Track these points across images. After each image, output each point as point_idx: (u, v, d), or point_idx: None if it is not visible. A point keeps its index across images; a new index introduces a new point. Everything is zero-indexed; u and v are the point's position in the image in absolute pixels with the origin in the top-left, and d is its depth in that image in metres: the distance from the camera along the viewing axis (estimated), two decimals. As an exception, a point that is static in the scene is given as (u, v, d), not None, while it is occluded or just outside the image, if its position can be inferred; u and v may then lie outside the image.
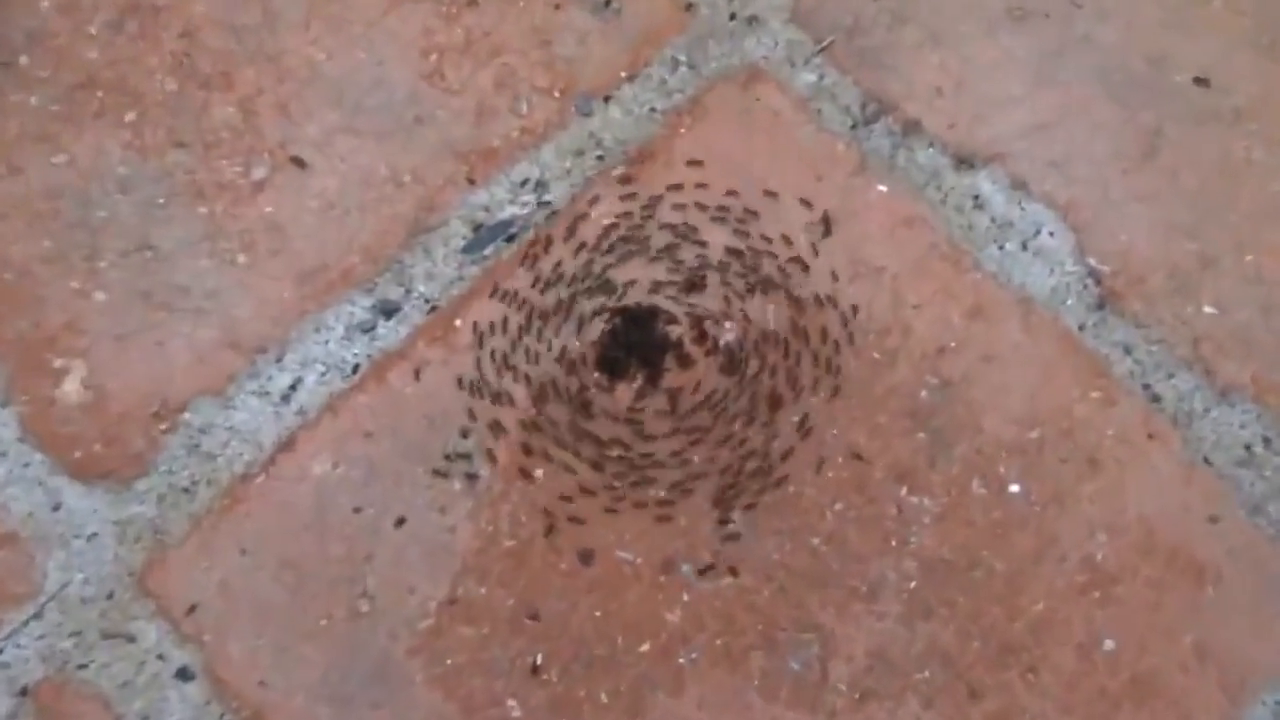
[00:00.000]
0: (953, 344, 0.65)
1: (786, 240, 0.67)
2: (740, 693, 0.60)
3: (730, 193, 0.69)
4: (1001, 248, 0.66)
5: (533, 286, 0.67)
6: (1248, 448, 0.61)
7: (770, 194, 0.68)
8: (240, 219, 0.71)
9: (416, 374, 0.66)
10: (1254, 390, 0.62)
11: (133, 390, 0.68)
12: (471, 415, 0.65)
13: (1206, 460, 0.61)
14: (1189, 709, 0.57)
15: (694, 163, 0.70)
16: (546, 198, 0.69)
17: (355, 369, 0.67)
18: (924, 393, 0.64)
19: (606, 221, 0.69)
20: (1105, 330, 0.64)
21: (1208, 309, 0.64)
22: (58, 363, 0.68)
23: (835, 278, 0.66)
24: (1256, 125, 0.68)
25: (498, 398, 0.66)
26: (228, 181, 0.71)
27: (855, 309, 0.65)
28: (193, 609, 0.64)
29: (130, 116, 0.73)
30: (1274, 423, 0.61)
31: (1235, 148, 0.68)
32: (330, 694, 0.62)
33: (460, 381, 0.66)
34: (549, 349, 0.66)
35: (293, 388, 0.67)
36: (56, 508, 0.65)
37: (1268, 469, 0.61)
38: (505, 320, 0.67)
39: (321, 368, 0.67)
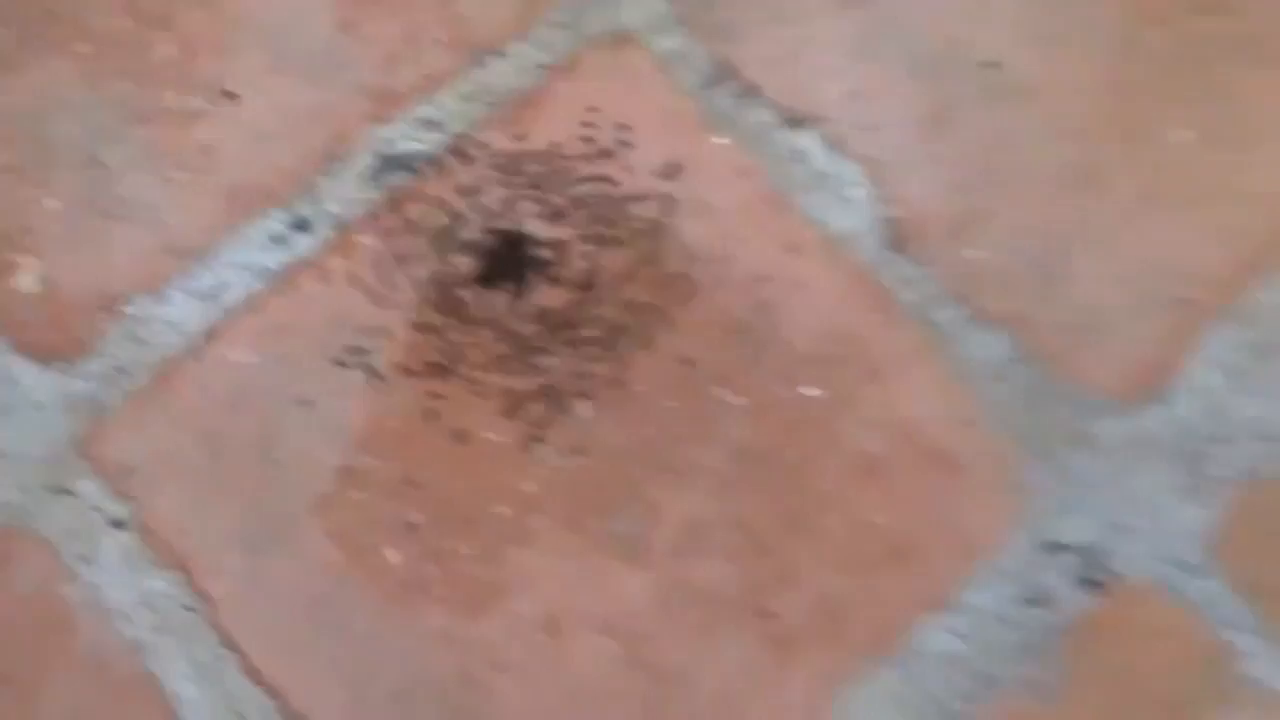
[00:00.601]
0: (770, 273, 0.77)
1: (639, 180, 0.79)
2: (579, 549, 0.71)
3: (596, 139, 0.80)
4: (817, 195, 0.78)
5: (425, 210, 0.78)
6: (999, 367, 0.74)
7: (629, 141, 0.80)
8: (178, 143, 0.81)
9: (324, 280, 0.77)
10: (1008, 321, 0.75)
11: (80, 285, 0.78)
12: (368, 316, 0.77)
13: (967, 375, 0.73)
14: (934, 569, 0.69)
15: (569, 110, 0.81)
16: (442, 136, 0.80)
17: (272, 274, 0.78)
18: (744, 312, 0.76)
19: (491, 158, 0.80)
20: (894, 266, 0.76)
21: (979, 253, 0.76)
22: (14, 259, 0.79)
23: (678, 214, 0.78)
24: (1037, 104, 0.81)
25: (390, 303, 0.77)
26: (168, 110, 0.82)
27: (691, 241, 0.77)
28: (128, 470, 0.74)
29: (84, 49, 0.83)
30: (1020, 347, 0.74)
31: (1016, 122, 0.80)
32: (241, 542, 0.72)
33: (361, 288, 0.77)
34: (437, 263, 0.77)
35: (218, 288, 0.77)
36: (11, 382, 0.76)
37: (1013, 384, 0.73)
38: (400, 238, 0.78)
39: (244, 272, 0.78)
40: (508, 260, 0.77)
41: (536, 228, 0.77)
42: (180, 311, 0.77)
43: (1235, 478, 0.70)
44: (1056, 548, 0.69)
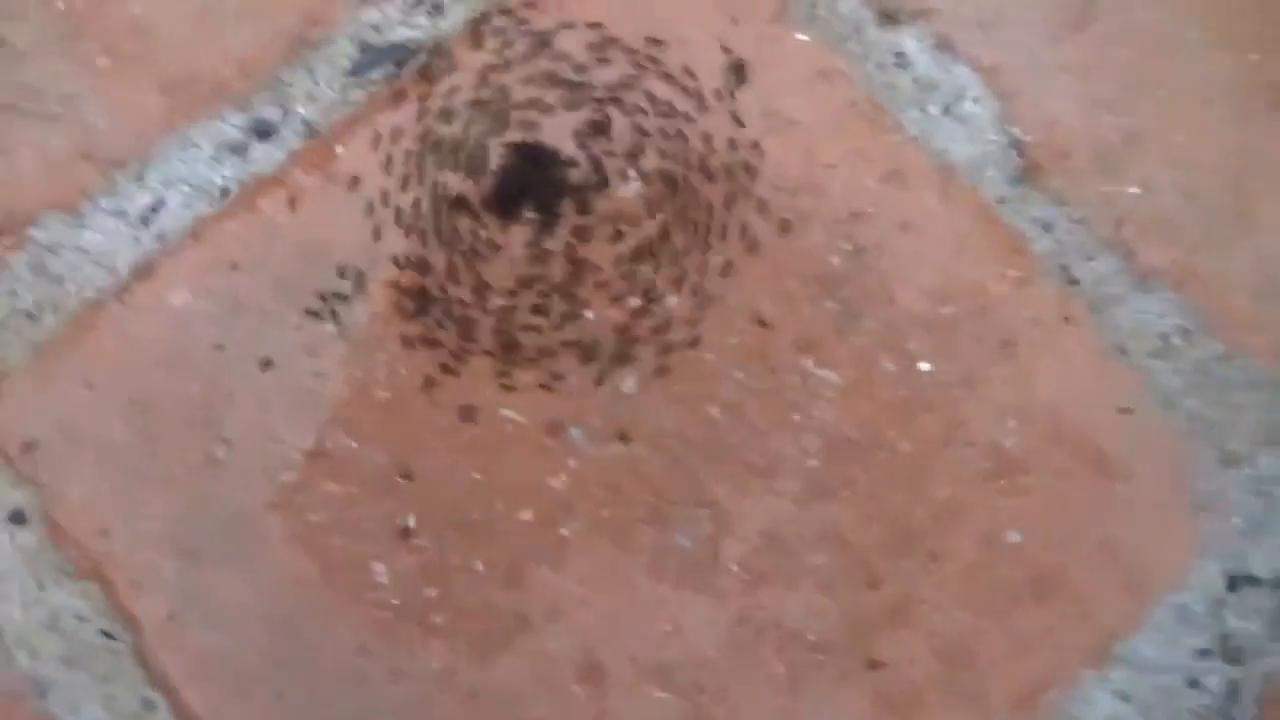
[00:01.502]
0: (868, 209, 0.58)
1: (697, 87, 0.60)
2: (625, 569, 0.54)
3: (639, 33, 0.61)
4: (922, 110, 0.60)
5: (421, 117, 0.59)
6: (1164, 338, 0.56)
7: (681, 38, 0.61)
8: (103, 17, 0.61)
9: (291, 203, 0.58)
10: (1174, 278, 0.57)
11: (-28, 200, 0.59)
12: (349, 252, 0.58)
13: (1122, 350, 0.56)
14: (1090, 607, 0.52)
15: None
16: (441, 21, 0.61)
17: (224, 193, 0.58)
18: (835, 259, 0.57)
19: (505, 53, 0.61)
20: (1025, 205, 0.58)
21: (1132, 189, 0.58)
22: (-110, 164, 0.59)
23: (746, 127, 0.59)
24: (1193, 2, 0.62)
25: (378, 234, 0.58)
26: (88, -25, 0.62)
27: (762, 165, 0.59)
28: (29, 446, 0.55)
29: (-20, -106, 0.63)
30: (1193, 314, 0.56)
31: (1170, 24, 0.62)
32: (178, 547, 0.54)
33: (340, 214, 0.58)
34: (436, 185, 0.59)
35: (153, 209, 0.58)
36: (-117, 324, 0.57)
37: (1183, 362, 0.56)
38: (389, 151, 0.59)
39: (186, 189, 0.58)
40: (532, 183, 0.58)
41: (568, 141, 0.58)
42: (103, 239, 0.57)
43: None
44: (1249, 582, 0.53)
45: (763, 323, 0.56)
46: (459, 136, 0.58)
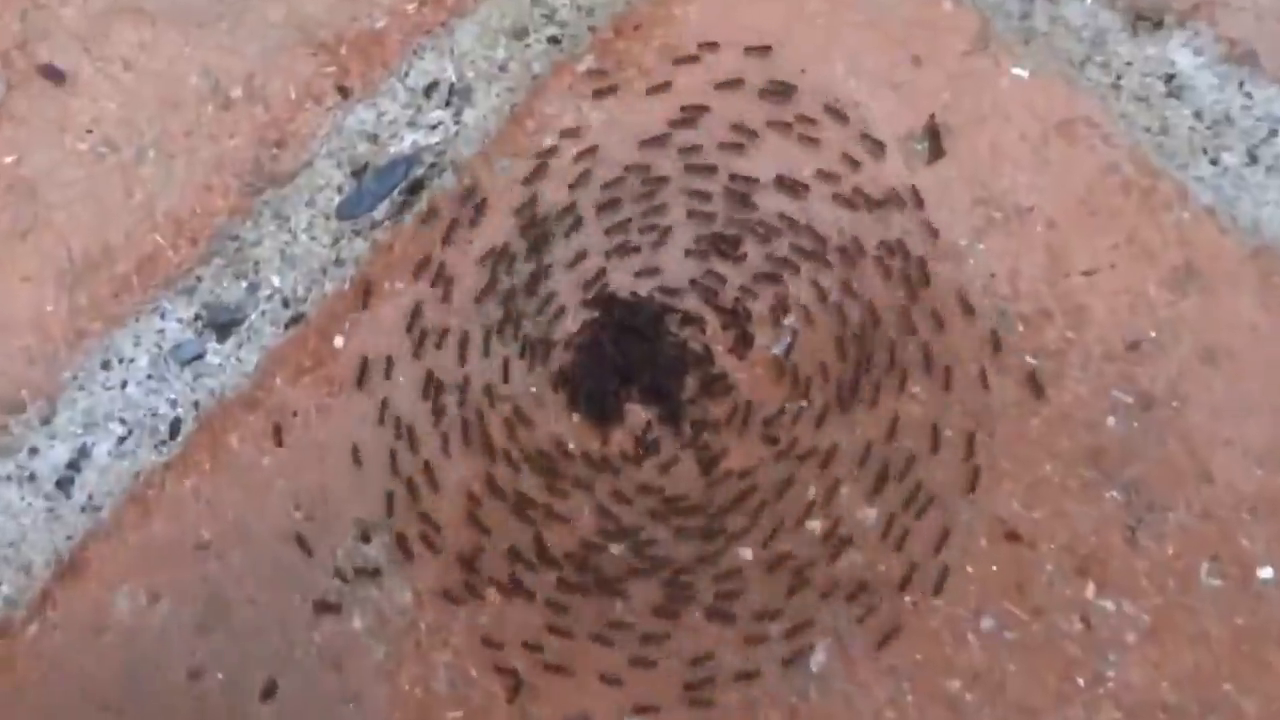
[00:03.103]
0: (1152, 334, 0.37)
1: (870, 167, 0.39)
2: None
3: (773, 89, 0.39)
4: (1215, 161, 0.38)
5: (455, 274, 0.38)
6: None
7: (838, 94, 0.39)
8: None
9: (277, 433, 0.38)
10: None
11: None
12: (372, 501, 0.37)
13: None
14: None
15: (708, 44, 0.40)
16: (468, 113, 0.40)
17: (174, 428, 0.39)
18: (1111, 420, 0.36)
19: (572, 151, 0.40)
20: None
21: None
22: None
23: (953, 229, 0.38)
24: None
25: (413, 474, 0.37)
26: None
27: (977, 285, 0.37)
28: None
29: None
30: None
31: None
32: None
33: (355, 448, 0.38)
34: (493, 381, 0.38)
35: (73, 466, 0.38)
36: None
37: None
38: (419, 336, 0.39)
39: (118, 429, 0.39)
40: (632, 360, 0.37)
41: (681, 290, 0.37)
42: (5, 522, 0.37)
43: None
44: None
45: (1014, 535, 0.35)
46: (516, 301, 0.37)
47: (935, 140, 0.38)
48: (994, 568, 0.36)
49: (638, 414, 0.37)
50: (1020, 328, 0.37)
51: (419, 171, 0.39)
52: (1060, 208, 0.38)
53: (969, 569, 0.36)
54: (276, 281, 0.38)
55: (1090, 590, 0.37)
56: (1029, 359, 0.37)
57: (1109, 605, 0.36)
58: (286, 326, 0.38)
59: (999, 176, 0.38)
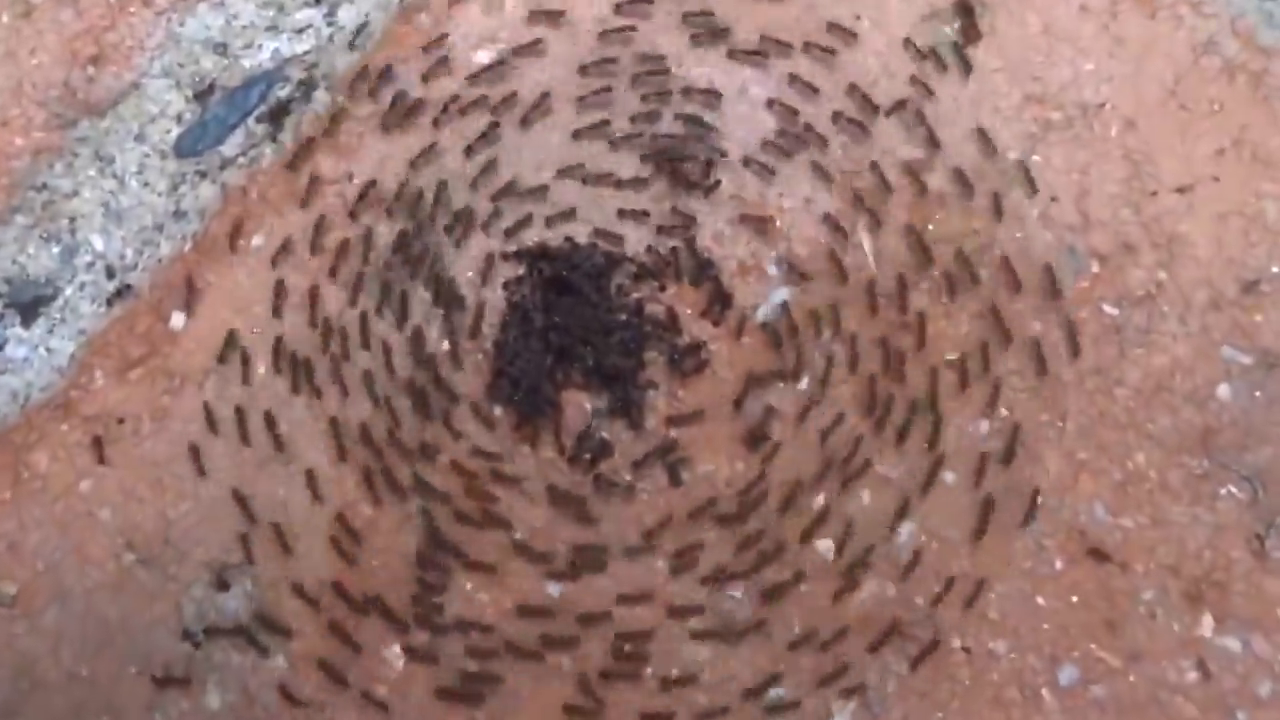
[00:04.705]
0: (1274, 269, 0.27)
1: (873, 93, 0.28)
2: None
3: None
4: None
5: (332, 226, 0.29)
6: None
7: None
8: None
9: (98, 446, 0.28)
10: None
11: None
12: (222, 540, 0.27)
13: None
14: None
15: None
16: (344, 11, 0.30)
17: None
18: (1224, 389, 0.26)
19: (482, 59, 0.29)
20: None
21: None
22: None
23: (998, 137, 0.28)
24: None
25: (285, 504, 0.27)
26: None
27: (1051, 203, 0.27)
28: None
29: None
30: None
31: None
32: None
33: (201, 465, 0.28)
34: (385, 367, 0.28)
35: None
36: None
37: None
38: (279, 304, 0.28)
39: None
40: (571, 339, 0.27)
41: (632, 235, 0.27)
42: None
43: None
44: None
45: (1099, 553, 0.25)
46: (414, 257, 0.27)
47: (969, 18, 0.28)
48: (1074, 599, 0.26)
49: (579, 405, 0.27)
50: (1094, 268, 0.27)
51: (282, 91, 0.29)
52: (1140, 103, 0.28)
53: (1040, 600, 0.26)
54: (98, 244, 0.28)
55: (1207, 625, 0.27)
56: (1108, 309, 0.27)
57: (1233, 644, 0.26)
58: (111, 303, 0.28)
59: (1056, 64, 0.28)
